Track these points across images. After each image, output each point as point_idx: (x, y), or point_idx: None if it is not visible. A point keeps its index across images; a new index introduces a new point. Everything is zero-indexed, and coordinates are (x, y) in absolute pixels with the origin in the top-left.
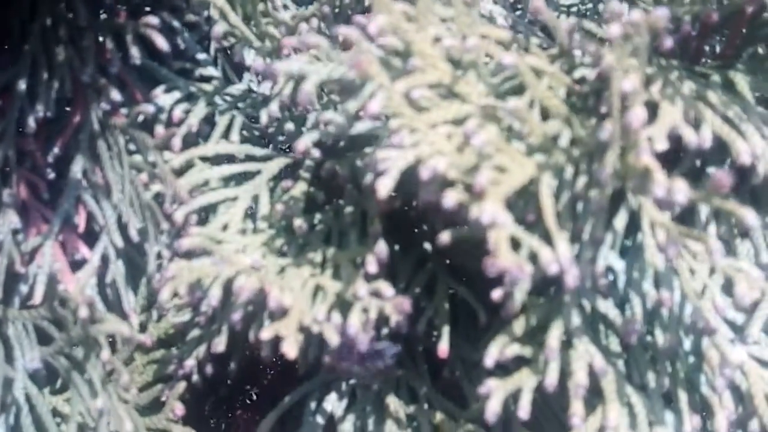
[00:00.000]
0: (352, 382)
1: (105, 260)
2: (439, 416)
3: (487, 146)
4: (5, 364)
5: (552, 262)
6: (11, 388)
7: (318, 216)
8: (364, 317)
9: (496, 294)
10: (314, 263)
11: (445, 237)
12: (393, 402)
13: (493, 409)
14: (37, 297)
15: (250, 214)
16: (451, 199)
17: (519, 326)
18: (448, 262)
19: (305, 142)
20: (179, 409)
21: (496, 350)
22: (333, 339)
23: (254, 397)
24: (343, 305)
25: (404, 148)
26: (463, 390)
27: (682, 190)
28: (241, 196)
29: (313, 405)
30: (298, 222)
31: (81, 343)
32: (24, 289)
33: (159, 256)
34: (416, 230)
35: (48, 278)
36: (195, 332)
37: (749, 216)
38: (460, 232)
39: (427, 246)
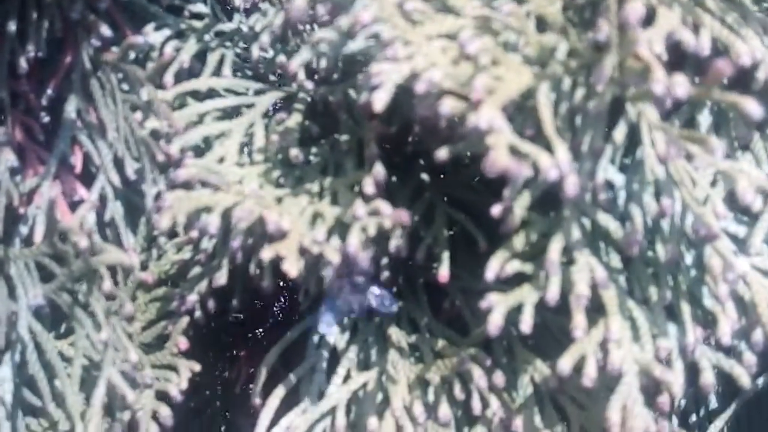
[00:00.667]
0: (353, 315)
1: (103, 200)
2: (441, 343)
3: (482, 55)
4: (9, 300)
5: (551, 167)
6: (15, 326)
7: (314, 149)
8: (363, 236)
9: (496, 209)
10: (312, 193)
11: (442, 153)
12: (395, 332)
13: (495, 322)
14: (37, 237)
15: (245, 148)
16: (447, 106)
17: (519, 241)
18: (445, 197)
19: (297, 62)
20: (183, 343)
21: (497, 264)
22: (334, 258)
23: (256, 334)
24: (342, 228)
25: (398, 61)
26: (465, 319)
27: (681, 84)
28: (236, 129)
29: (315, 339)
30: (294, 152)
31: (83, 277)
32: (24, 230)
33: (157, 195)
34: (413, 161)
35: (47, 215)
36: (196, 270)
37: (752, 106)
38: (457, 148)
39: (425, 176)
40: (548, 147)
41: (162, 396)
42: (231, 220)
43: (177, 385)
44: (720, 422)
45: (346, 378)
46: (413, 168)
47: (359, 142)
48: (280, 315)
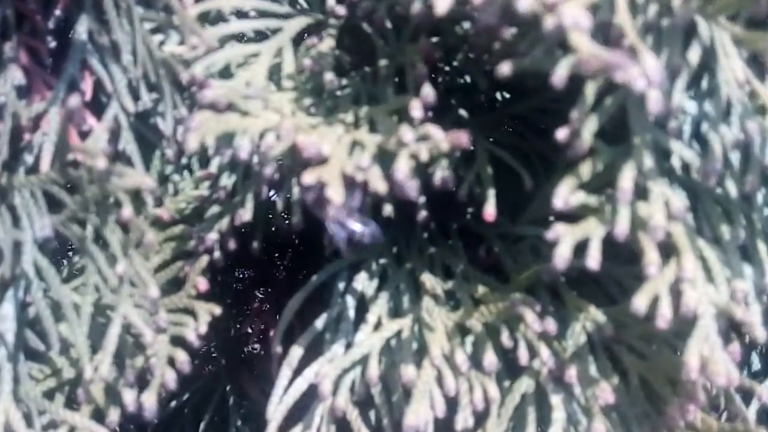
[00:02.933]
0: (382, 261)
1: (115, 132)
2: (481, 289)
3: None
4: (14, 230)
5: (638, 76)
6: (20, 260)
7: (344, 81)
8: (413, 163)
9: (562, 133)
10: (346, 123)
11: (505, 68)
12: (428, 279)
13: (563, 255)
14: (44, 166)
15: (273, 74)
16: (525, 3)
17: (586, 170)
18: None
19: None
20: (203, 284)
21: (566, 190)
22: (380, 186)
23: (276, 280)
24: (385, 156)
25: None
26: (502, 267)
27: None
28: (264, 51)
29: (341, 285)
30: (329, 77)
31: (97, 205)
32: (29, 159)
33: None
34: (450, 96)
35: (58, 138)
36: (215, 208)
37: None
38: (522, 63)
39: (463, 113)
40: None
41: (178, 342)
42: (262, 146)
43: (195, 329)
44: None
45: (377, 326)
46: (450, 104)
47: (398, 68)
48: (303, 259)
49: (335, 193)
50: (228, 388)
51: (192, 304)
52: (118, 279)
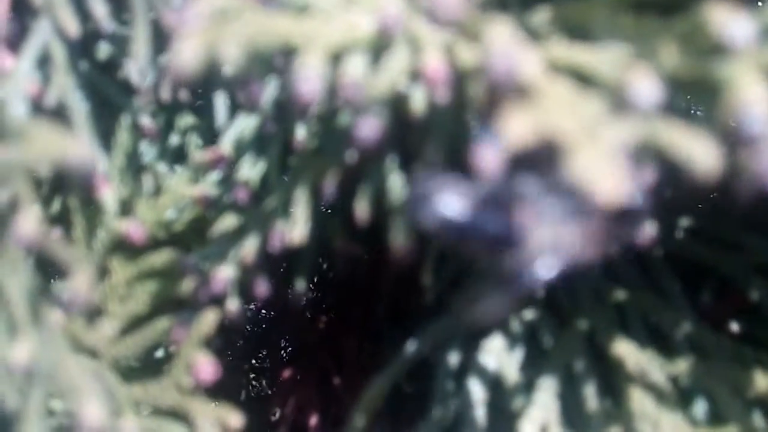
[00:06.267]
0: (529, 315)
1: (44, 71)
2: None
3: None
4: None
5: None
6: None
7: None
8: None
9: None
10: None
11: None
12: (628, 350)
13: None
14: None
15: None
16: None
17: None
18: None
19: None
20: (206, 368)
21: None
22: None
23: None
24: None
25: None
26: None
27: None
28: None
29: (452, 359)
30: None
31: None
32: None
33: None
34: None
35: None
36: (229, 219)
37: None
38: None
39: None
40: None
41: None
42: (347, 74)
43: None
44: None
45: None
46: None
47: None
48: (371, 319)
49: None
50: None
51: (186, 405)
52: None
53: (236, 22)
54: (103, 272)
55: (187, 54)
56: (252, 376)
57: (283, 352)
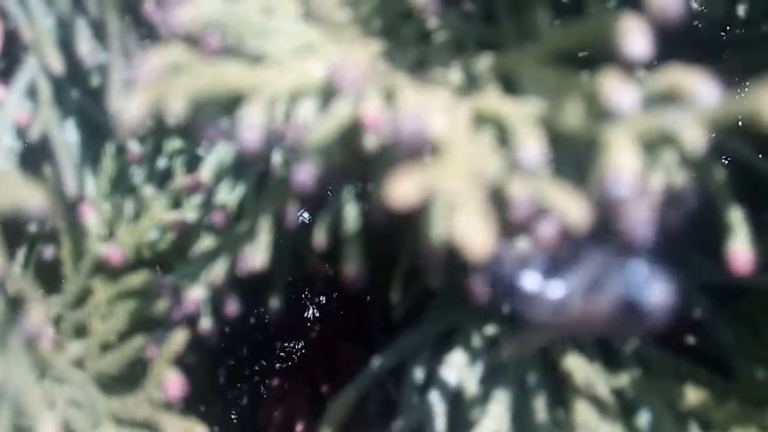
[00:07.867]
0: (490, 329)
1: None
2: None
3: None
4: None
5: None
6: None
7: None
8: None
9: None
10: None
11: None
12: (577, 365)
13: None
14: None
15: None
16: None
17: None
18: None
19: None
20: (175, 386)
21: None
22: (576, 215)
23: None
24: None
25: None
26: None
27: None
28: None
29: (418, 372)
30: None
31: None
32: None
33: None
34: None
35: None
36: (206, 242)
37: None
38: None
39: None
40: None
41: None
42: (295, 120)
43: None
44: None
45: None
46: None
47: None
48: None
49: (478, 235)
50: None
51: (156, 418)
52: None
53: (185, 75)
54: (87, 292)
55: (132, 109)
56: (256, 379)
57: (275, 359)
